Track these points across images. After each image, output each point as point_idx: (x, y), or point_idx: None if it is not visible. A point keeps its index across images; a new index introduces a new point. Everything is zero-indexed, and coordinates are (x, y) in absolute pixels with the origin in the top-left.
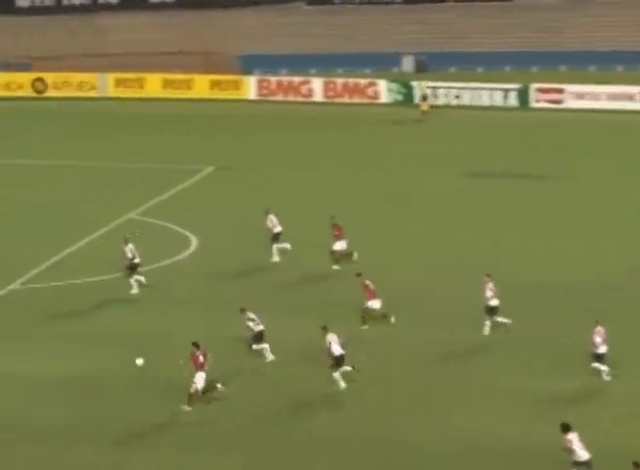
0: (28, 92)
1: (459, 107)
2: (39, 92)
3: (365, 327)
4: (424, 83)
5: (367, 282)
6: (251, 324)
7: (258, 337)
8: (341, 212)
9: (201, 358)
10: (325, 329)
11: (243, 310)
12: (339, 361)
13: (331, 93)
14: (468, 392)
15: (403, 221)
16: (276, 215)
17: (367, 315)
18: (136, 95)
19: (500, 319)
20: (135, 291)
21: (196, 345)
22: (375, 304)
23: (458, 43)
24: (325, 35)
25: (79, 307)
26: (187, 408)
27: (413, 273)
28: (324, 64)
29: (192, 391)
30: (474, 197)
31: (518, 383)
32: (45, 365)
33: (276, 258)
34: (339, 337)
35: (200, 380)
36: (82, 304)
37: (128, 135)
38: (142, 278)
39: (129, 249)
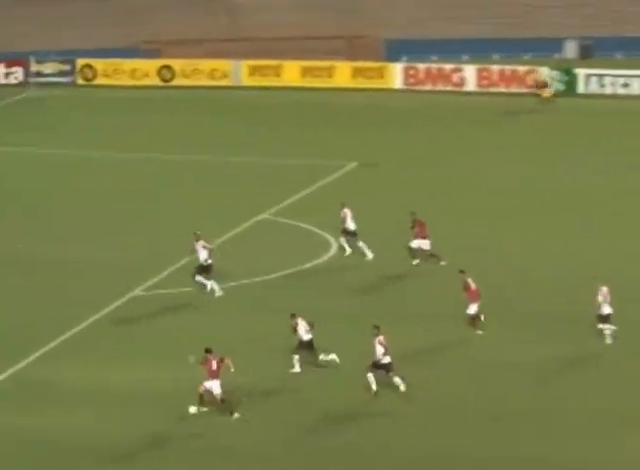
0: (155, 80)
1: (628, 96)
2: (166, 80)
3: (479, 332)
4: (544, 69)
5: (469, 280)
6: (300, 332)
7: (304, 346)
8: (505, 215)
9: (214, 365)
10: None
11: (293, 316)
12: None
13: (485, 82)
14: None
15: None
16: (350, 211)
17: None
18: (272, 84)
19: (605, 326)
20: (209, 289)
21: (208, 350)
22: (472, 308)
23: (626, 28)
24: (477, 17)
25: (198, 315)
26: (193, 409)
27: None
28: (477, 49)
29: (200, 391)
30: None
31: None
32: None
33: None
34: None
35: (215, 388)
36: (203, 311)
37: (262, 128)
38: (207, 282)
39: (201, 246)
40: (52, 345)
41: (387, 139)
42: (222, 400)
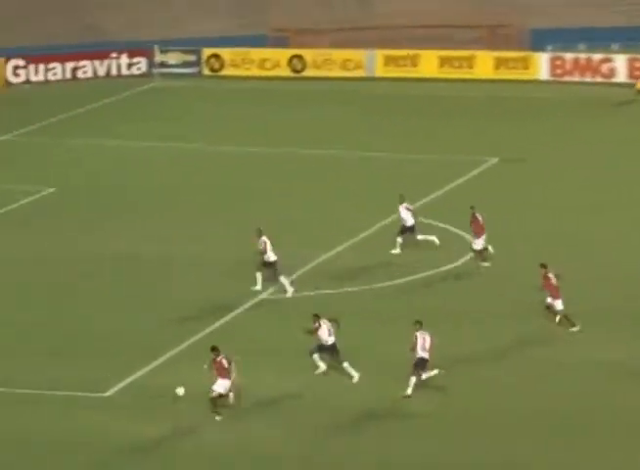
0: (285, 71)
1: None
2: (297, 71)
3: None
4: None
5: (550, 275)
6: (322, 334)
7: (326, 349)
8: None
9: (224, 363)
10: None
11: (316, 317)
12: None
13: (637, 73)
14: None
15: None
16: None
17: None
18: (408, 75)
19: None
20: (258, 287)
21: (215, 349)
22: (557, 304)
23: None
24: (627, 4)
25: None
26: (217, 417)
27: None
28: (628, 38)
29: (213, 395)
30: None
31: None
32: None
33: (397, 250)
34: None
35: (220, 386)
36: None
37: (397, 121)
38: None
39: (263, 241)
40: (175, 350)
41: (531, 134)
42: (217, 397)
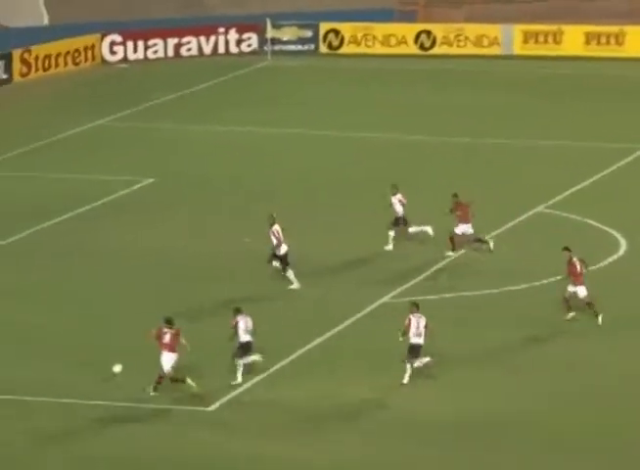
0: (412, 49)
1: None
2: (425, 48)
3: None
4: None
5: (575, 260)
6: (240, 331)
7: (244, 348)
8: None
9: (167, 338)
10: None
11: (237, 311)
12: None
13: None
14: None
15: None
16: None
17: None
18: (549, 53)
19: None
20: (296, 286)
21: (169, 321)
22: (581, 290)
23: None
24: None
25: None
26: (150, 391)
27: None
28: None
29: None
30: None
31: None
32: None
33: (389, 246)
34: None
35: (165, 362)
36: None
37: (538, 104)
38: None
39: (275, 231)
40: (287, 360)
41: None
42: (173, 380)
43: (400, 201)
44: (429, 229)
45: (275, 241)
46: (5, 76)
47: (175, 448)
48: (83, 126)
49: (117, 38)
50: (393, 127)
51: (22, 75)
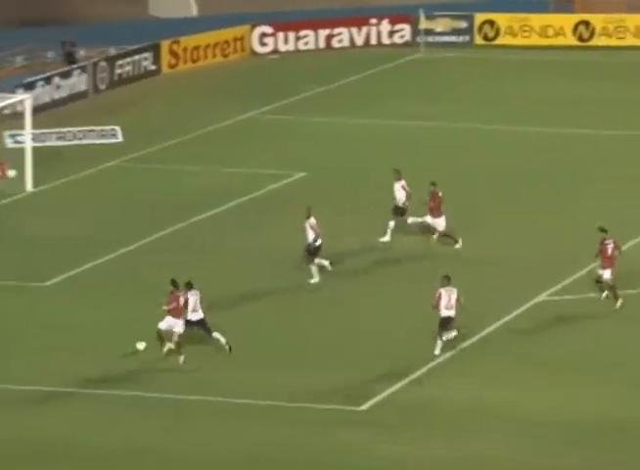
0: (569, 40)
1: None
2: (583, 40)
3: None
4: None
5: (607, 242)
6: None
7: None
8: None
9: (180, 301)
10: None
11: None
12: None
13: None
14: None
15: None
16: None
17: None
18: None
19: None
20: (316, 279)
21: (174, 283)
22: (606, 273)
23: None
24: None
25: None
26: (180, 359)
27: None
28: None
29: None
30: None
31: None
32: None
33: (386, 238)
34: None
35: (178, 327)
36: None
37: None
38: (325, 262)
39: (311, 225)
40: (440, 360)
41: None
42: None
43: (404, 187)
44: (428, 219)
45: (314, 233)
46: (153, 68)
47: (326, 450)
48: (232, 119)
49: (268, 29)
50: (553, 121)
51: (171, 67)
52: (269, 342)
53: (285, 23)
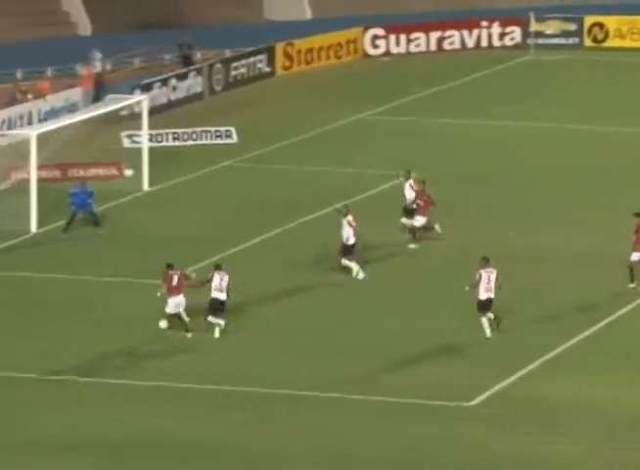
0: None
1: None
2: None
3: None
4: None
5: None
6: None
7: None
8: None
9: (174, 280)
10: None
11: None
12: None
13: None
14: None
15: None
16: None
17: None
18: None
19: None
20: (359, 274)
21: (170, 266)
22: (634, 255)
23: None
24: None
25: None
26: (163, 324)
27: None
28: None
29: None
30: None
31: None
32: None
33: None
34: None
35: (174, 305)
36: None
37: None
38: (354, 265)
39: (348, 223)
40: (549, 356)
41: None
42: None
43: (412, 186)
44: (420, 221)
45: (352, 230)
46: (268, 70)
47: (438, 445)
48: (344, 120)
49: (380, 32)
50: None
51: (285, 69)
52: (387, 339)
53: (396, 25)
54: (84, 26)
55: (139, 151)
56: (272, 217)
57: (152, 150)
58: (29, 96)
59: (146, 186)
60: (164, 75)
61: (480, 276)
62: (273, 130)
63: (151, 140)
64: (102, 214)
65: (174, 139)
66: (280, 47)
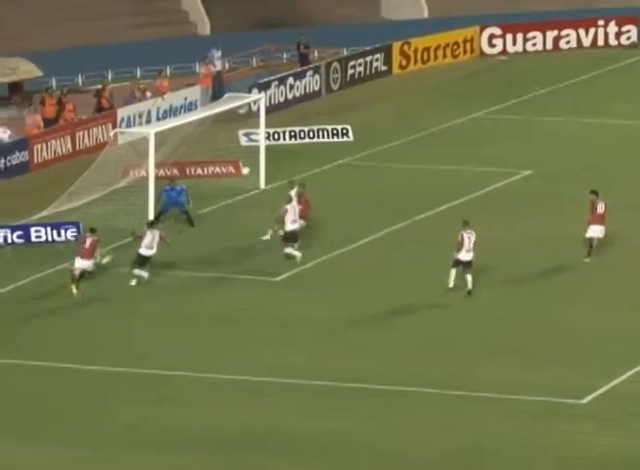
0: None
1: None
2: None
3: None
4: None
5: (598, 205)
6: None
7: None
8: None
9: (87, 243)
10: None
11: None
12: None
13: None
14: None
15: None
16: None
17: None
18: None
19: None
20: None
21: (93, 230)
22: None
23: None
24: None
25: None
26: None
27: None
28: None
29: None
30: None
31: None
32: None
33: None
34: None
35: (76, 264)
36: None
37: None
38: (296, 253)
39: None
40: None
41: None
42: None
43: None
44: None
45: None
46: (385, 68)
47: (549, 442)
48: (460, 119)
49: (497, 31)
50: None
51: (402, 68)
52: (485, 335)
53: (513, 24)
54: (203, 26)
55: (256, 149)
56: (388, 215)
57: (268, 148)
58: (148, 94)
59: (262, 184)
60: (282, 74)
61: (463, 238)
62: (389, 129)
63: (268, 138)
64: (217, 212)
65: (291, 137)
66: (397, 46)
